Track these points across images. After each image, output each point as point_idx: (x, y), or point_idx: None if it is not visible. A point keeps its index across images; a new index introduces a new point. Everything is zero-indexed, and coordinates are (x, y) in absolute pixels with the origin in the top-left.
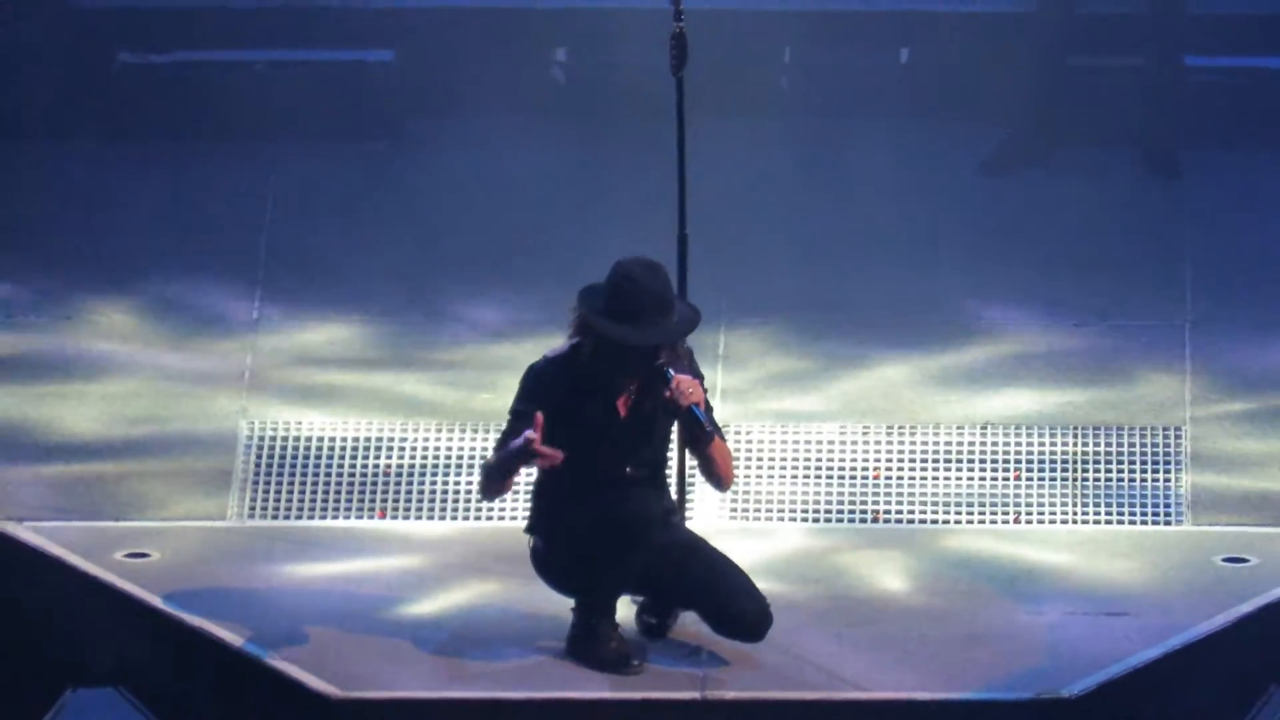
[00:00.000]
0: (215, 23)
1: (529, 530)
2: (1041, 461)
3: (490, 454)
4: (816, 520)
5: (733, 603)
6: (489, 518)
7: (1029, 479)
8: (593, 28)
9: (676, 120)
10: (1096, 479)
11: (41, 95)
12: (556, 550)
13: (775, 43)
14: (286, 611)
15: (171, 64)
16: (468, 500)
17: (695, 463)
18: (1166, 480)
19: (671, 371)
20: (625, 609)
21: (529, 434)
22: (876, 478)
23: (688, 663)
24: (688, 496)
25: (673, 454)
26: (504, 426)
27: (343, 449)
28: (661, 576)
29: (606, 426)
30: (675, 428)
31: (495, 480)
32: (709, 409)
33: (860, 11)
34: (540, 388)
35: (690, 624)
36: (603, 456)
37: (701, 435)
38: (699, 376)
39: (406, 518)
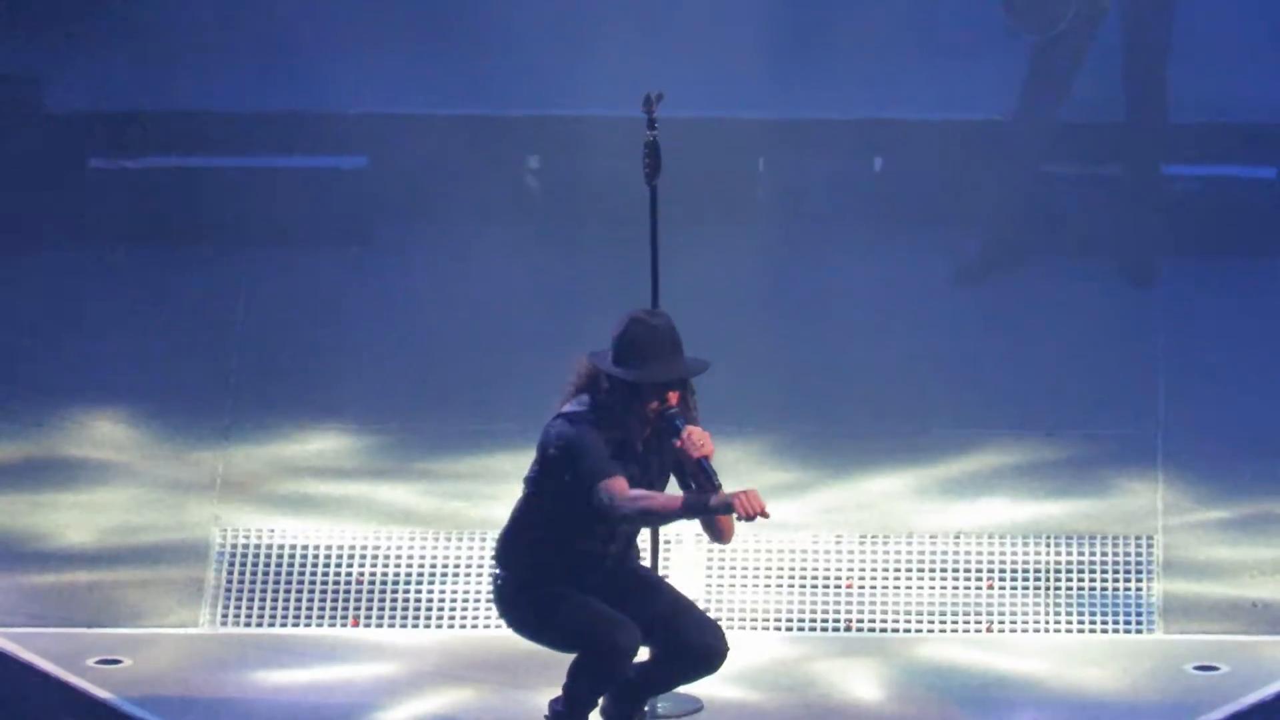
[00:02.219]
0: (188, 128)
1: (500, 563)
2: (1014, 570)
3: (596, 470)
4: (790, 629)
5: (693, 634)
6: (463, 626)
7: (1002, 588)
8: (566, 135)
9: (650, 228)
10: (1069, 587)
11: (11, 201)
12: (527, 604)
13: (749, 152)
14: (259, 719)
15: (144, 169)
16: (441, 608)
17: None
18: (1139, 588)
19: (682, 420)
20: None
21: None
22: (849, 587)
23: None
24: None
25: None
26: (586, 456)
27: (315, 557)
28: (625, 610)
29: (626, 473)
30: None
31: (653, 510)
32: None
33: (834, 120)
34: (594, 434)
35: None
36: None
37: (709, 488)
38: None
39: (380, 626)
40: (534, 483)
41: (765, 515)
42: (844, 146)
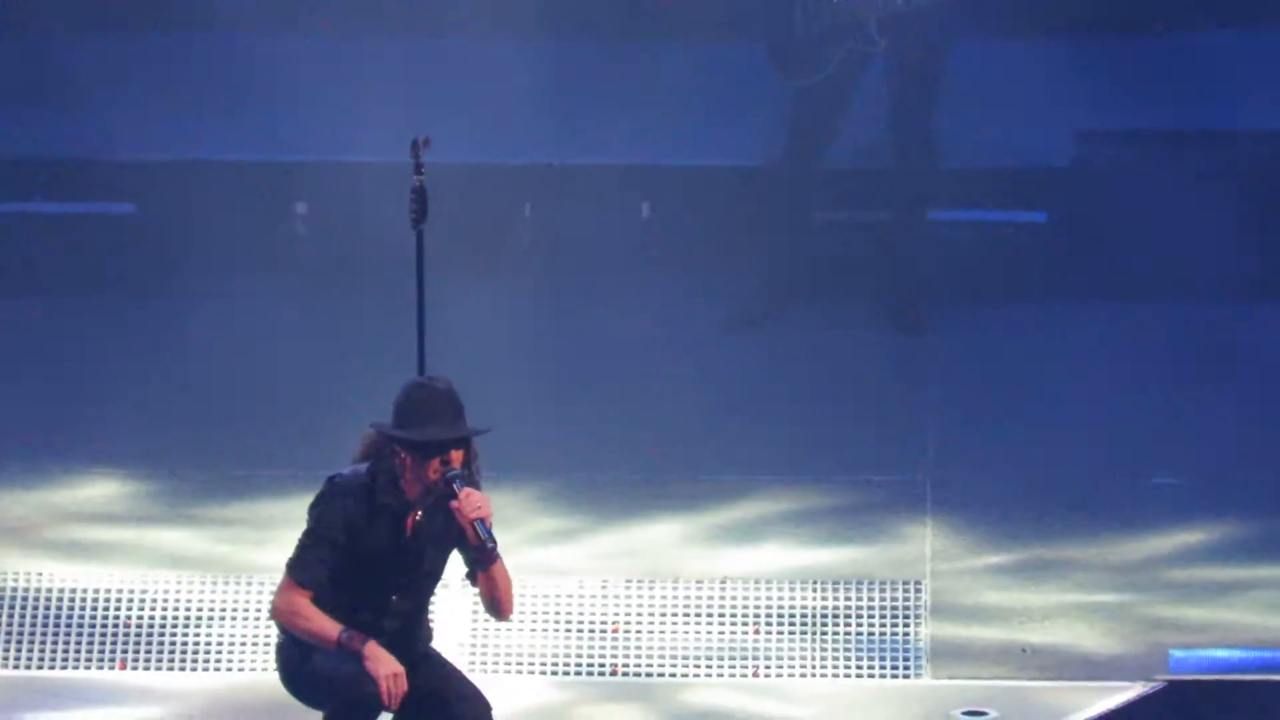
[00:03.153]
0: None
1: (280, 627)
2: (782, 615)
3: (290, 570)
4: (556, 674)
5: (456, 705)
6: (229, 669)
7: (769, 632)
8: (333, 181)
9: (417, 274)
10: (837, 632)
11: None
12: (305, 669)
13: (516, 197)
14: None
15: None
16: (208, 652)
17: (477, 591)
18: (907, 633)
19: (460, 482)
20: None
21: (395, 672)
22: (615, 631)
23: None
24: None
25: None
26: (303, 542)
27: (84, 600)
28: None
29: (392, 548)
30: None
31: (304, 636)
32: (490, 527)
33: (601, 165)
34: (336, 509)
35: None
36: (377, 580)
37: (484, 553)
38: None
39: (147, 669)
40: None
41: (395, 686)
42: (611, 192)
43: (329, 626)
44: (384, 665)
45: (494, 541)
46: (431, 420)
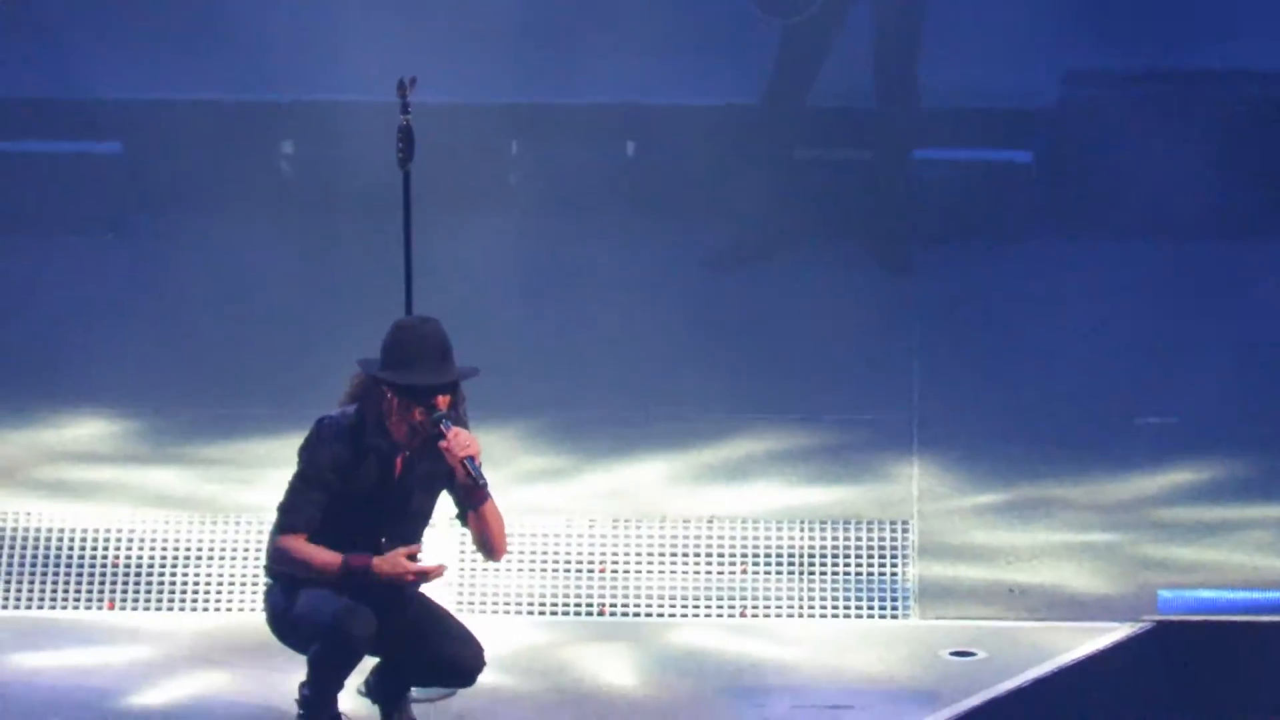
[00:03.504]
0: None
1: (268, 570)
2: (770, 555)
3: (282, 514)
4: (543, 614)
5: (447, 646)
6: (218, 609)
7: (757, 572)
8: (319, 121)
9: (403, 214)
10: (824, 572)
11: None
12: (289, 612)
13: (502, 136)
14: (14, 701)
15: None
16: (196, 592)
17: (468, 532)
18: (894, 574)
19: (448, 423)
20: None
21: (407, 570)
22: (603, 572)
23: None
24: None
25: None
26: (294, 486)
27: (72, 541)
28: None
29: (381, 489)
30: (443, 498)
31: (305, 574)
32: (479, 465)
33: (586, 105)
34: (326, 451)
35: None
36: (366, 522)
37: (474, 491)
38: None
39: (135, 609)
40: None
41: (415, 576)
42: (597, 131)
43: (329, 557)
44: (396, 566)
45: (484, 480)
46: (419, 362)
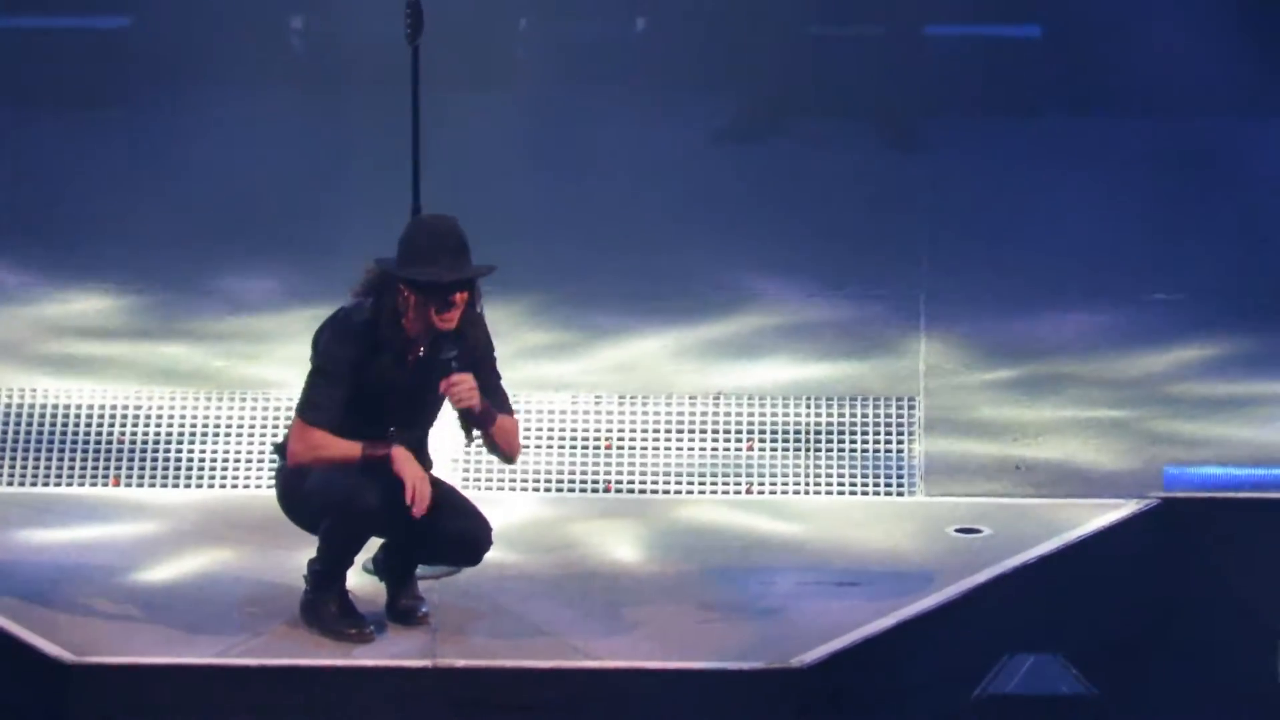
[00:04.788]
0: None
1: (280, 451)
2: (775, 431)
3: (301, 410)
4: (549, 490)
5: (455, 522)
6: (223, 486)
7: (763, 449)
8: None
9: (411, 90)
10: (831, 449)
11: None
12: (300, 490)
13: (511, 12)
14: (20, 578)
15: None
16: (201, 468)
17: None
18: (900, 450)
19: (456, 364)
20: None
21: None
22: (609, 448)
23: (419, 631)
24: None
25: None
26: (311, 382)
27: (77, 417)
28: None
29: (393, 383)
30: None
31: (328, 465)
32: (498, 378)
33: None
34: (343, 347)
35: (420, 589)
36: (378, 413)
37: (469, 434)
38: (490, 346)
39: (141, 485)
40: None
41: (424, 489)
42: (606, 7)
43: (349, 446)
44: (410, 469)
45: (477, 432)
46: (436, 259)
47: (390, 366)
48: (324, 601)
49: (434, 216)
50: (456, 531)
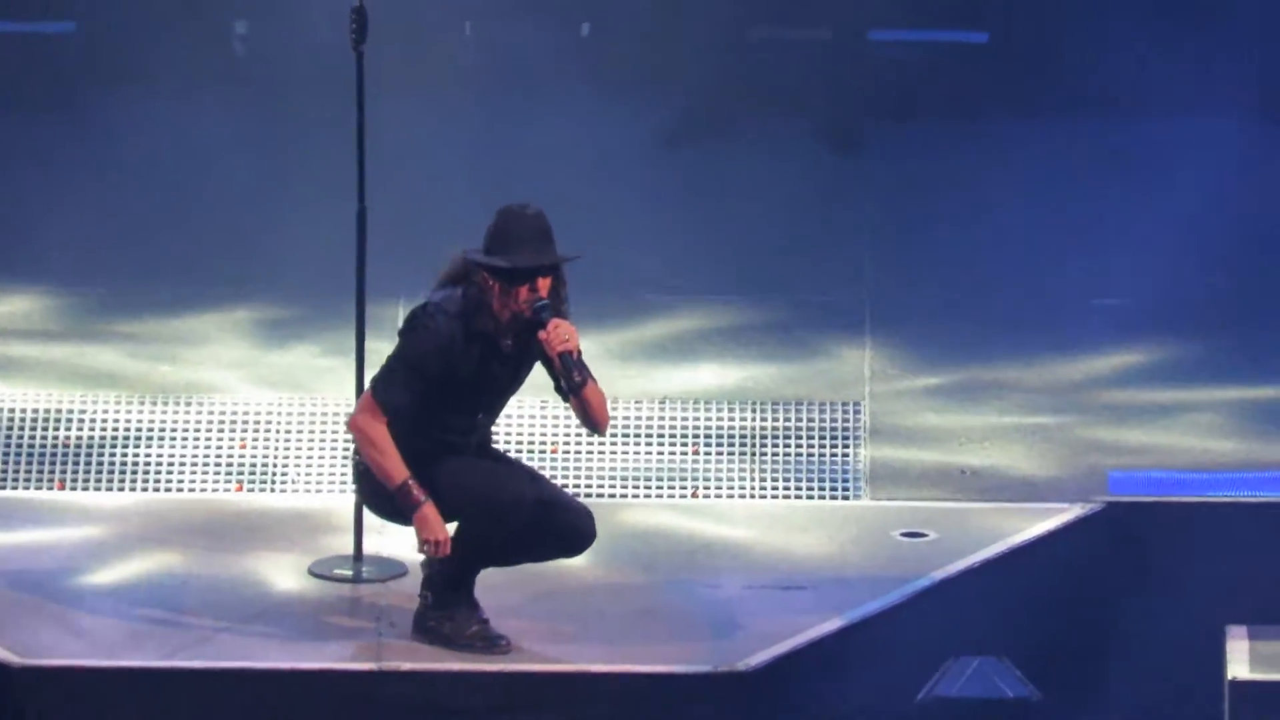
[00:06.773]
0: None
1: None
2: (721, 436)
3: (375, 387)
4: None
5: (566, 515)
6: (168, 489)
7: (708, 453)
8: (272, 1)
9: (356, 95)
10: (776, 453)
11: None
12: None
13: (456, 17)
14: None
15: None
16: (146, 472)
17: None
18: (845, 455)
19: (549, 312)
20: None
21: (437, 539)
22: (554, 452)
23: (365, 633)
24: None
25: None
26: (391, 364)
27: (21, 419)
28: None
29: (482, 372)
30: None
31: (369, 463)
32: (580, 354)
33: None
34: (430, 337)
35: (367, 593)
36: (467, 402)
37: (571, 383)
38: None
39: (85, 489)
40: None
41: (434, 552)
42: (551, 11)
43: (396, 468)
44: (432, 531)
45: (581, 373)
46: (521, 247)
47: (480, 356)
48: (455, 604)
49: (519, 205)
50: (570, 526)
